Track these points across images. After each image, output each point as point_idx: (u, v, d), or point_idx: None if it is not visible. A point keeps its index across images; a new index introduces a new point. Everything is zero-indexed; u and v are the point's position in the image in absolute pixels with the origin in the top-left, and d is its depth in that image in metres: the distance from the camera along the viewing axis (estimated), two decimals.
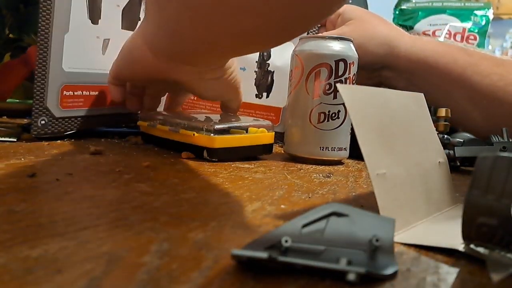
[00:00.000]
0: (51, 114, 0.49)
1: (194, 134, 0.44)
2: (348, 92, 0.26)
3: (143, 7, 0.58)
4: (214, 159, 0.44)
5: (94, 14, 0.53)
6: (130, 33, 0.57)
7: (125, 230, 0.22)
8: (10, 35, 0.60)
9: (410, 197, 0.27)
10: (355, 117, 0.26)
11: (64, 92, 0.50)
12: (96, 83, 0.54)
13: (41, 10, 0.46)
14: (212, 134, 0.44)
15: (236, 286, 0.17)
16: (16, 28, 0.59)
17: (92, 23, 0.53)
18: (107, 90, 0.55)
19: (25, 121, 0.66)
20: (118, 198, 0.28)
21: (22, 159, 0.39)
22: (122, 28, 0.57)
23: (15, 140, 0.49)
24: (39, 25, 0.46)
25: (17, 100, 0.72)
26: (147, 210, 0.26)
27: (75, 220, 0.23)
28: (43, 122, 0.48)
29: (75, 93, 0.52)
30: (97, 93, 0.55)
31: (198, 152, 0.45)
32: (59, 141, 0.50)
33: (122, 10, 0.56)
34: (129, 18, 0.57)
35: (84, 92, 0.53)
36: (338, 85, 0.26)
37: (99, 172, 0.36)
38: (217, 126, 0.45)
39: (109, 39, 0.55)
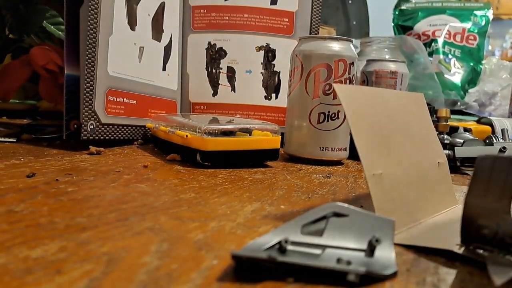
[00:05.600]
0: (98, 119, 0.47)
1: (186, 136, 0.42)
2: (345, 92, 0.26)
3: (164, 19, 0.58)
4: (207, 163, 0.41)
5: (132, 20, 0.52)
6: (158, 43, 0.55)
7: (124, 231, 0.22)
8: (10, 36, 0.61)
9: (408, 198, 0.27)
10: (352, 117, 0.26)
11: (109, 97, 0.49)
12: (134, 91, 0.53)
13: (89, 9, 0.45)
14: (204, 136, 0.41)
15: (236, 286, 0.17)
16: (16, 28, 0.59)
17: (130, 28, 0.52)
18: (144, 102, 0.53)
19: (25, 121, 0.66)
20: (118, 198, 0.28)
21: (22, 159, 0.39)
22: (152, 38, 0.56)
23: (15, 140, 0.49)
24: (88, 24, 0.45)
25: (17, 101, 0.72)
26: (147, 211, 0.26)
27: (75, 221, 0.23)
28: (91, 126, 0.46)
29: (118, 99, 0.50)
30: (135, 102, 0.53)
31: (193, 155, 0.42)
32: (58, 141, 0.50)
33: (152, 20, 0.55)
34: (155, 29, 0.56)
35: (125, 100, 0.51)
36: (334, 85, 0.26)
37: (99, 172, 0.36)
38: (208, 127, 0.42)
39: (143, 47, 0.54)
